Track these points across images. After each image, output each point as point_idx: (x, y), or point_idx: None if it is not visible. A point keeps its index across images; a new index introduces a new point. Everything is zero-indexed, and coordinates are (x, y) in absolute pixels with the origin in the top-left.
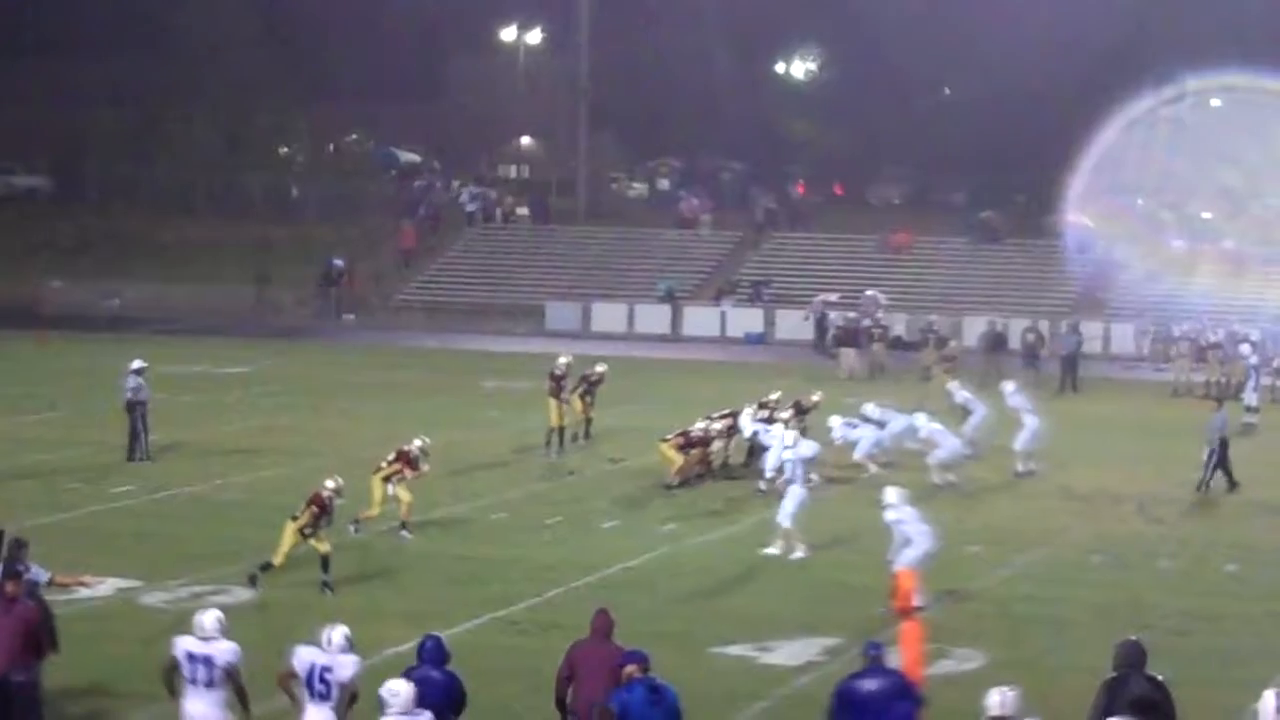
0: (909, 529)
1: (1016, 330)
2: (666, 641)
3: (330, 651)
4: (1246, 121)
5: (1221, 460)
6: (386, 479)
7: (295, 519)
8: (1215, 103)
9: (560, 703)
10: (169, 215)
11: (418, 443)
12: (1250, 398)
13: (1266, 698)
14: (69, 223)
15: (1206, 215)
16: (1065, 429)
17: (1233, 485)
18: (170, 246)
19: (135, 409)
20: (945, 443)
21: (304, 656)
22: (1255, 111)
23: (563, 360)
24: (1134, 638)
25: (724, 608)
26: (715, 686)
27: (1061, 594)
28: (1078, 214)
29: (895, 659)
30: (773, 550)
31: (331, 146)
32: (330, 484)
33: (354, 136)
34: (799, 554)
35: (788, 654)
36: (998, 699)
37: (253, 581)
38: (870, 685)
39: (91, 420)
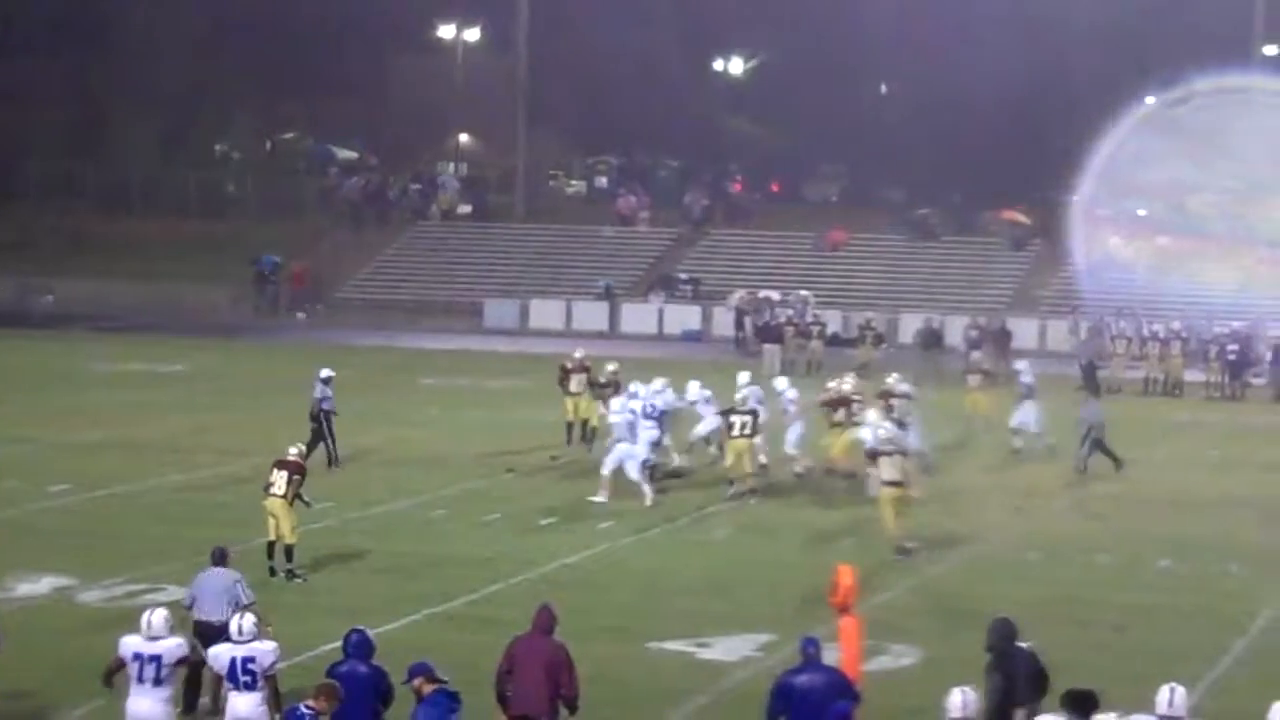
0: None
1: (953, 327)
2: (605, 637)
3: (244, 640)
4: (1188, 120)
5: (1099, 443)
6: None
7: (281, 496)
8: (1150, 100)
9: (501, 697)
10: (107, 212)
11: (293, 450)
12: None
13: (1275, 710)
14: (8, 220)
15: (1142, 212)
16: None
17: (1117, 465)
18: (108, 243)
19: (321, 417)
20: (707, 414)
21: (221, 654)
22: (1196, 112)
23: (579, 355)
24: (1004, 615)
25: (662, 604)
26: (653, 682)
27: (997, 590)
28: (1014, 211)
29: (832, 655)
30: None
31: (269, 144)
32: (294, 450)
33: (291, 134)
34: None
35: (725, 649)
36: (959, 699)
37: (290, 576)
38: (808, 681)
39: (30, 418)
